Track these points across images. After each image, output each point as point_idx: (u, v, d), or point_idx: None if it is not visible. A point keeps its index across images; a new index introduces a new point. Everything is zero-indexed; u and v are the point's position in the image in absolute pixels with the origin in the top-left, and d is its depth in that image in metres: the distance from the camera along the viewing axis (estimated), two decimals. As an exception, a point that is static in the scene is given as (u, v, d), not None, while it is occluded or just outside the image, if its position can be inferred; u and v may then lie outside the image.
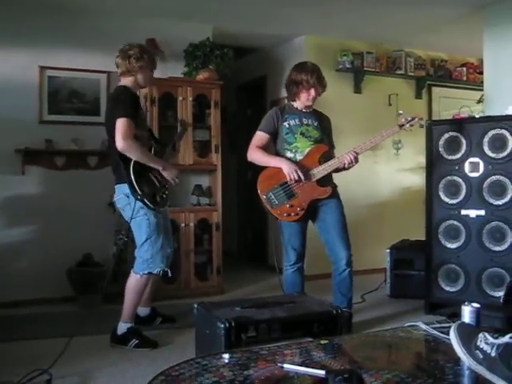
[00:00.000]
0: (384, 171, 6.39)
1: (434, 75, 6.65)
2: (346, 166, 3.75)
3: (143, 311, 4.00)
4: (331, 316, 2.95)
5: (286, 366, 1.70)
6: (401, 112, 3.99)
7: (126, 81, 3.68)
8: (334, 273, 3.88)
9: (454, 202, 4.22)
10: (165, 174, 3.66)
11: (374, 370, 1.68)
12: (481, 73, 5.81)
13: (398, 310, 4.55)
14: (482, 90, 5.04)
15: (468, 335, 1.69)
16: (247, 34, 6.01)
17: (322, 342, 2.01)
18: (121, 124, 3.41)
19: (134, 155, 3.46)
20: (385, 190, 6.40)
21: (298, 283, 3.87)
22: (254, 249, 7.13)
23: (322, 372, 1.59)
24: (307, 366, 1.68)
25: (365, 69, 6.16)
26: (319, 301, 3.26)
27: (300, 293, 3.70)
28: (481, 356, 1.59)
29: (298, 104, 3.90)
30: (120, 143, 3.40)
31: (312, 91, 3.80)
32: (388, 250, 5.09)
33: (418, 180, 5.93)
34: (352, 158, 3.70)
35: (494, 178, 4.04)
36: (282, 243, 3.87)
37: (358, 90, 6.25)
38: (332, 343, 2.02)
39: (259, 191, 3.73)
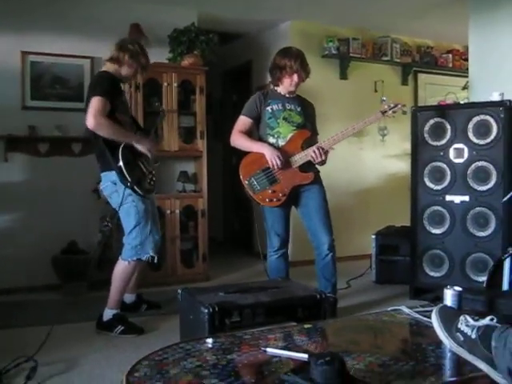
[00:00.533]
0: (370, 157, 6.40)
1: (420, 62, 6.66)
2: (314, 161, 3.71)
3: (129, 298, 3.99)
4: (315, 301, 2.94)
5: (268, 349, 1.70)
6: (384, 98, 3.91)
7: (110, 66, 3.64)
8: (317, 258, 3.88)
9: (438, 187, 4.24)
10: (139, 147, 3.60)
11: (357, 354, 1.69)
12: (466, 59, 5.80)
13: (383, 295, 4.58)
14: (467, 76, 5.05)
15: (449, 318, 1.70)
16: (232, 20, 5.96)
17: (306, 326, 2.01)
18: (94, 102, 3.36)
19: (105, 133, 3.40)
20: (371, 177, 6.42)
21: (282, 269, 3.87)
22: (240, 235, 7.13)
23: (304, 355, 1.60)
24: (290, 350, 1.69)
25: (351, 55, 6.14)
26: (303, 286, 3.26)
27: (284, 278, 3.70)
28: (461, 338, 1.61)
29: (281, 89, 3.88)
30: (90, 121, 3.34)
31: (295, 77, 3.77)
32: (373, 236, 5.12)
33: (403, 166, 5.96)
34: (317, 153, 3.65)
35: (478, 163, 4.06)
36: (266, 229, 3.87)
37: (343, 76, 6.23)
38: (315, 327, 2.03)
39: (241, 176, 3.73)
